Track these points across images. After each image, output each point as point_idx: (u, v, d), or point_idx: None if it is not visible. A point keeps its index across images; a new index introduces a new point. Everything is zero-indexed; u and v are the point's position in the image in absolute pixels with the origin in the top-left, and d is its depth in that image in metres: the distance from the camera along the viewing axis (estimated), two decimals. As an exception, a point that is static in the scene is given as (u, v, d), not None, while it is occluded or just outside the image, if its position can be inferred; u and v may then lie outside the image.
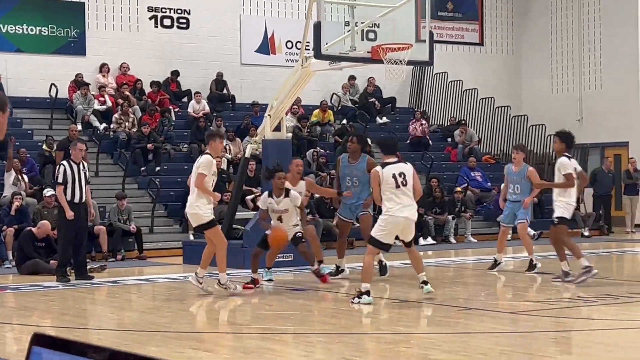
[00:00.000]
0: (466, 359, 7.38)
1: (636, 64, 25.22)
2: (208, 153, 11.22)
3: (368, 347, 7.85)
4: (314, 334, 8.70)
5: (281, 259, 14.47)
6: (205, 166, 11.01)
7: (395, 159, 10.56)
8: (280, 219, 11.90)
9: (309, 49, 14.49)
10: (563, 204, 11.95)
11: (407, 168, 10.51)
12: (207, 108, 23.10)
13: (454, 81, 26.58)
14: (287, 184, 12.13)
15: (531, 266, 13.15)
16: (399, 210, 10.24)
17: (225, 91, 24.08)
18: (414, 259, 10.67)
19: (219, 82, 24.02)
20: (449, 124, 26.05)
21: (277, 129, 15.25)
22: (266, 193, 12.13)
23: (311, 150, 22.13)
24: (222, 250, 11.09)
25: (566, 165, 11.94)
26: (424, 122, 25.12)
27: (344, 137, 13.64)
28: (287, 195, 11.90)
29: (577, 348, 7.83)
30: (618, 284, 12.39)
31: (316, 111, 24.25)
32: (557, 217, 11.98)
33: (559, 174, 12.02)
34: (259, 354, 7.77)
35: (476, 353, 7.65)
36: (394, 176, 10.31)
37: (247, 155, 15.95)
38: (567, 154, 12.14)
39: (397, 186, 10.25)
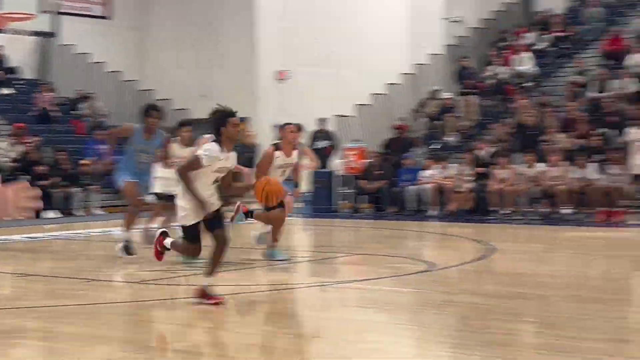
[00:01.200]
0: (90, 330, 7.55)
1: (251, 42, 26.54)
2: None
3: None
4: None
5: None
6: None
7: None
8: (217, 180, 8.80)
9: None
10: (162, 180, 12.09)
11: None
12: None
13: (81, 54, 26.30)
14: None
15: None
16: None
17: None
18: None
19: None
20: (76, 96, 25.75)
21: None
22: (215, 143, 8.63)
23: None
24: None
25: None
26: (50, 94, 24.66)
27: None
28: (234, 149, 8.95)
29: (199, 313, 8.27)
30: (237, 251, 13.09)
31: None
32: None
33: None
34: None
35: (100, 323, 7.85)
36: None
37: None
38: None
39: None
